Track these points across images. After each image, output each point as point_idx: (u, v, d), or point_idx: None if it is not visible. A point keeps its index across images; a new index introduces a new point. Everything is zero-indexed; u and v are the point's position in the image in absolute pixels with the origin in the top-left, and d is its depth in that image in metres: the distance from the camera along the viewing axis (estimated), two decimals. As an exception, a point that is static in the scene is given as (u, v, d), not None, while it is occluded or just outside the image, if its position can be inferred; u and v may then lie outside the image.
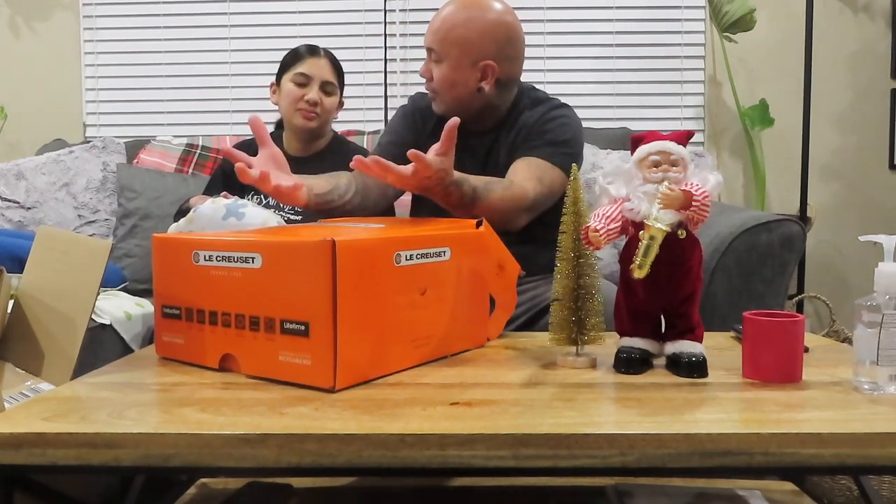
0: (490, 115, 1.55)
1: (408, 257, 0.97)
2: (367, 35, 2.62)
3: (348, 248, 0.88)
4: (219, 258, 0.96)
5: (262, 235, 0.98)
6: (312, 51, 1.88)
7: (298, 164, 1.90)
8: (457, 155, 1.56)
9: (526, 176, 1.42)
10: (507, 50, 1.48)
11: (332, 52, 1.91)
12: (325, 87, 1.87)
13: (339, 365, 0.87)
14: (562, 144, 1.48)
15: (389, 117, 2.55)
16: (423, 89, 1.61)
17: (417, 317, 0.99)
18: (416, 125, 1.61)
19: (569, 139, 1.50)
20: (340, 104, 1.95)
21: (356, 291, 0.89)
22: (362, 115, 2.60)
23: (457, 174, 1.25)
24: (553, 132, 1.49)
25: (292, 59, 1.88)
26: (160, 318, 1.05)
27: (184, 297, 1.01)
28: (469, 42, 1.45)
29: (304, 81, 1.85)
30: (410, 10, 2.60)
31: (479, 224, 1.13)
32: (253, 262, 0.93)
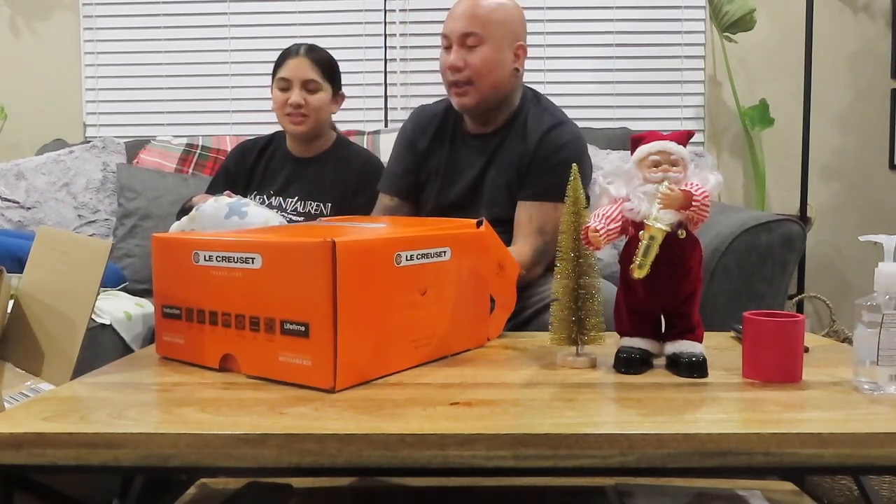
0: (501, 113, 1.56)
1: (408, 257, 0.97)
2: (367, 35, 2.62)
3: (348, 248, 0.88)
4: (219, 258, 0.96)
5: (262, 235, 0.98)
6: (291, 52, 1.84)
7: (302, 165, 1.91)
8: (456, 156, 1.57)
9: (525, 233, 1.47)
10: (526, 36, 1.55)
11: (330, 49, 1.89)
12: (308, 86, 1.81)
13: (339, 366, 0.87)
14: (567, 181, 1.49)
15: (389, 117, 2.56)
16: (421, 94, 1.61)
17: (418, 317, 0.99)
18: (415, 147, 1.63)
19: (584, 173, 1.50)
20: (339, 97, 1.89)
21: (356, 292, 0.89)
22: (362, 115, 2.60)
23: None
24: (557, 168, 1.47)
25: (276, 64, 1.86)
26: (160, 318, 1.05)
27: (184, 297, 1.01)
28: (510, 22, 1.50)
29: (285, 86, 1.81)
30: (410, 10, 2.60)
31: (479, 224, 1.13)
32: (253, 262, 0.93)
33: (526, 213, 1.49)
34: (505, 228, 1.47)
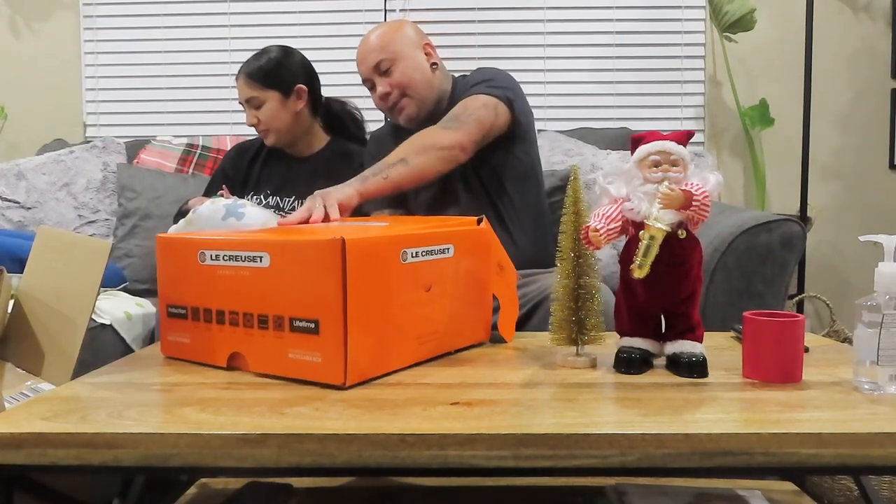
0: (441, 103, 1.69)
1: (413, 254, 0.98)
2: (367, 35, 2.62)
3: (358, 245, 0.88)
4: (226, 258, 0.96)
5: (269, 235, 0.98)
6: (236, 75, 1.86)
7: (298, 165, 1.91)
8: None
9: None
10: (426, 36, 1.71)
11: (330, 50, 1.89)
12: (252, 103, 1.83)
13: (349, 361, 0.87)
14: (481, 84, 1.60)
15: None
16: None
17: (423, 313, 1.00)
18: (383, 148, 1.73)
19: (489, 77, 1.63)
20: (296, 92, 1.84)
21: (365, 289, 0.90)
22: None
23: (360, 184, 1.37)
24: (472, 80, 1.64)
25: None
26: (165, 318, 1.05)
27: (190, 297, 1.02)
28: (404, 36, 1.66)
29: (243, 109, 1.87)
30: (410, 10, 2.60)
31: (479, 221, 1.14)
32: (261, 261, 0.93)
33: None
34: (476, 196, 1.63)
